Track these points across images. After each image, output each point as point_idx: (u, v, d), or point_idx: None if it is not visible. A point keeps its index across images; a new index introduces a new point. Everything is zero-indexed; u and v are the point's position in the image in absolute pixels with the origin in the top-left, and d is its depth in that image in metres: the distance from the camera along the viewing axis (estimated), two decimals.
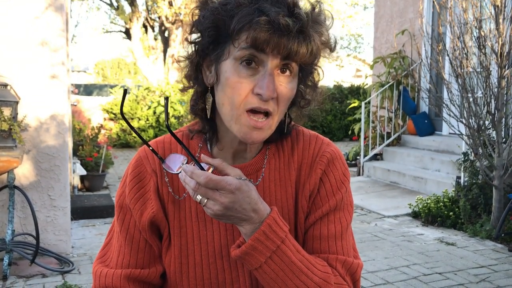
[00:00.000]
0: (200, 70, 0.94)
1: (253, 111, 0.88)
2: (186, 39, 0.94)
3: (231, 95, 0.87)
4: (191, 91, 0.99)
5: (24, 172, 3.64)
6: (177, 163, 0.90)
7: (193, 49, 0.93)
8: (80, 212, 4.88)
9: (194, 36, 0.92)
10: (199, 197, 0.85)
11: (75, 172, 5.78)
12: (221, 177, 0.85)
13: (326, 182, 0.99)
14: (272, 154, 1.01)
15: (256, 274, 0.90)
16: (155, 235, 0.99)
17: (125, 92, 0.89)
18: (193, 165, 0.87)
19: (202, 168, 0.87)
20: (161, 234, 1.00)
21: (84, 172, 5.96)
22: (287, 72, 0.88)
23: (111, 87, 13.10)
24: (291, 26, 0.82)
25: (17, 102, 3.46)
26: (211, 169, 0.88)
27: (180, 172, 0.88)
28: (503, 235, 4.23)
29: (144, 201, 0.98)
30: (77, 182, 5.91)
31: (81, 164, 6.03)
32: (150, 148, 0.93)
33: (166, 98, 0.89)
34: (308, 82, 0.97)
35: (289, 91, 0.90)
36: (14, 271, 3.39)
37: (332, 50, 0.94)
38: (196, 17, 0.91)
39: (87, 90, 15.12)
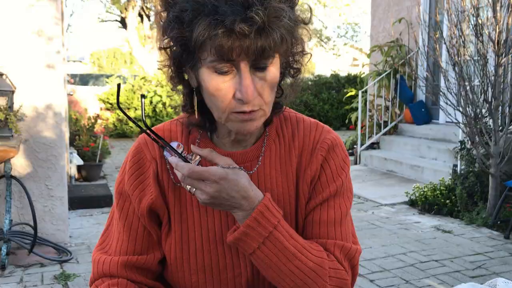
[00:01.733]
0: (182, 73, 0.94)
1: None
2: (160, 48, 0.91)
3: (214, 102, 0.88)
4: None
5: (21, 162, 3.63)
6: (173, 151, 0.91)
7: (169, 55, 0.92)
8: (78, 202, 4.88)
9: (166, 41, 0.90)
10: (188, 187, 0.88)
11: (72, 162, 5.77)
12: (205, 168, 0.86)
13: (326, 168, 0.99)
14: (273, 140, 1.01)
15: (251, 259, 0.91)
16: (154, 221, 0.99)
17: (119, 86, 0.89)
18: (179, 156, 0.88)
19: (186, 160, 0.88)
20: (160, 220, 1.00)
21: (81, 162, 5.96)
22: (263, 66, 0.86)
23: (107, 77, 13.06)
24: (247, 32, 0.80)
25: (12, 92, 3.44)
26: (197, 158, 0.89)
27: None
28: (499, 222, 4.26)
29: (143, 188, 0.98)
30: (74, 172, 5.91)
31: (78, 154, 6.02)
32: (151, 137, 0.93)
33: (142, 96, 0.89)
34: (295, 50, 0.94)
35: (271, 83, 0.88)
36: (12, 261, 3.40)
37: (306, 23, 0.91)
38: (163, 19, 0.88)
39: (83, 80, 15.06)
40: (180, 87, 0.96)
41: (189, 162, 0.88)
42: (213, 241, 0.97)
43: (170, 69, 0.94)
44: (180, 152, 0.89)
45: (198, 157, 0.90)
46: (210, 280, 0.98)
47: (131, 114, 10.56)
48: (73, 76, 13.91)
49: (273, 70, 0.88)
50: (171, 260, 0.99)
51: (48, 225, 3.76)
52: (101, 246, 1.03)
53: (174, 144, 0.90)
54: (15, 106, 3.47)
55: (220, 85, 0.85)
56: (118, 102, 0.88)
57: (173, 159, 0.88)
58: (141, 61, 15.90)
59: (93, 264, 1.01)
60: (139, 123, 0.92)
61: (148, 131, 0.90)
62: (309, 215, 0.99)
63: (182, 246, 0.98)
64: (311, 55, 0.98)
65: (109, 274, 0.98)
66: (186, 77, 0.94)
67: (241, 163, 0.97)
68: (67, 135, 4.59)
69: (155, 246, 1.00)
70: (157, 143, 0.93)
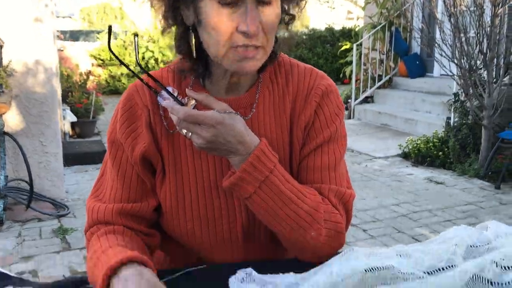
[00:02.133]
0: (177, 10, 0.90)
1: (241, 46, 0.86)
2: None
3: (214, 36, 0.85)
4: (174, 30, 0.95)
5: (13, 118, 3.60)
6: (167, 96, 0.89)
7: None
8: (72, 158, 4.88)
9: None
10: (184, 131, 0.87)
11: (65, 119, 5.74)
12: (201, 112, 0.85)
13: (320, 114, 0.99)
14: (266, 86, 1.00)
15: (247, 203, 0.92)
16: (147, 169, 0.99)
17: (110, 28, 0.86)
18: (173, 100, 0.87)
19: (181, 103, 0.87)
20: (154, 168, 1.00)
21: (74, 119, 5.93)
22: (268, 1, 0.85)
23: (98, 32, 12.79)
24: None
25: (1, 46, 3.37)
26: (193, 102, 0.88)
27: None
28: (490, 173, 4.32)
29: (135, 136, 0.97)
30: (68, 128, 5.89)
31: (71, 111, 5.98)
32: (144, 82, 0.92)
33: (136, 35, 0.87)
34: None
35: (274, 20, 0.87)
36: (10, 216, 3.43)
37: None
38: None
39: (74, 36, 14.75)
40: (174, 27, 0.94)
41: (185, 106, 0.87)
42: (208, 187, 0.97)
43: (163, 7, 0.91)
44: (175, 96, 0.88)
45: (193, 101, 0.89)
46: (205, 227, 0.99)
47: (123, 70, 10.43)
48: (63, 32, 13.61)
49: (276, 8, 0.87)
50: (166, 207, 0.99)
51: (44, 181, 3.77)
52: (95, 195, 1.03)
53: (168, 89, 0.89)
54: (4, 62, 3.41)
55: (223, 18, 0.83)
56: (109, 45, 0.86)
57: (168, 103, 0.87)
58: (132, 16, 15.57)
59: (88, 212, 1.01)
60: (134, 69, 0.90)
61: (143, 75, 0.89)
62: (303, 161, 0.99)
63: (177, 193, 0.98)
64: (306, 2, 0.96)
65: (104, 221, 0.98)
66: (181, 12, 0.91)
67: (234, 110, 0.96)
68: (59, 91, 4.54)
69: (149, 194, 1.00)
70: (149, 88, 0.91)
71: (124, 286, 0.76)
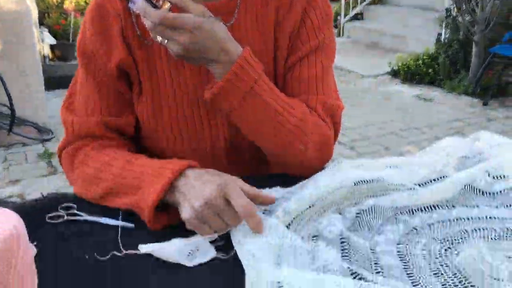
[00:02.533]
0: None
1: None
2: None
3: None
4: None
5: None
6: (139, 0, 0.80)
7: None
8: (54, 82, 4.73)
9: None
10: (159, 38, 0.78)
11: (44, 41, 5.51)
12: (177, 15, 0.77)
13: (307, 21, 0.92)
14: None
15: (230, 117, 0.86)
16: (123, 81, 0.92)
17: None
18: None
19: (155, 6, 0.78)
20: (131, 81, 0.93)
21: (53, 41, 5.70)
22: None
23: None
24: None
25: None
26: (167, 6, 0.79)
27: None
28: (480, 89, 4.29)
29: (109, 47, 0.89)
30: (47, 51, 5.68)
31: (49, 33, 5.74)
32: None
33: None
34: None
35: None
36: None
37: None
38: None
39: None
40: None
41: (159, 9, 0.78)
42: (187, 101, 0.91)
43: None
44: None
45: (168, 3, 0.80)
46: (186, 143, 0.94)
47: None
48: None
49: None
50: (144, 123, 0.93)
51: (26, 106, 3.66)
52: (70, 108, 0.96)
53: None
54: None
55: None
56: None
57: (140, 6, 0.77)
58: None
59: (66, 125, 0.93)
60: None
61: None
62: (288, 72, 0.93)
63: (154, 106, 0.91)
64: None
65: (90, 134, 0.91)
66: None
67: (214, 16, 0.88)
68: (35, 12, 4.33)
69: (127, 109, 0.94)
70: None
71: (202, 177, 0.74)
